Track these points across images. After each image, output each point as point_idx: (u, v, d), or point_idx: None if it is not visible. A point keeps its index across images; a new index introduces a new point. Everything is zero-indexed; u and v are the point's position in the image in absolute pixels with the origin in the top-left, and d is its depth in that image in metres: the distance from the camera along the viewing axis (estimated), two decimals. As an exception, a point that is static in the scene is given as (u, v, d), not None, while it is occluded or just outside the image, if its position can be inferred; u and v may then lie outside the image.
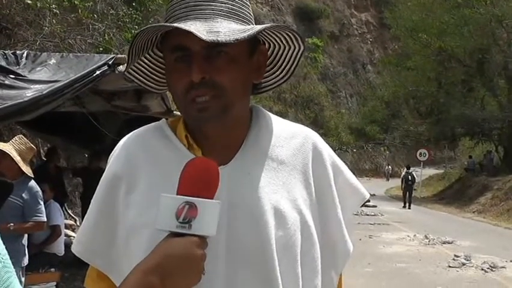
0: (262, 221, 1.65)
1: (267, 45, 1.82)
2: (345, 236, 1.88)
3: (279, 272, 1.65)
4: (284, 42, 1.80)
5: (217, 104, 1.63)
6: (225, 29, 1.60)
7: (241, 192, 1.68)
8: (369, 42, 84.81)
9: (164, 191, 1.55)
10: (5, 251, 1.47)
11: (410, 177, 35.64)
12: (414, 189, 43.05)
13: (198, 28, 1.56)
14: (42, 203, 6.80)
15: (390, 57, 59.40)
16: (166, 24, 1.62)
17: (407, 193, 35.10)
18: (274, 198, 1.70)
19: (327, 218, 1.82)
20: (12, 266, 1.48)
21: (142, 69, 1.83)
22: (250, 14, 1.75)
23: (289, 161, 1.78)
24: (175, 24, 1.58)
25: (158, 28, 1.62)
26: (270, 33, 1.76)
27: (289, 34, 1.76)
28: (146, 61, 1.83)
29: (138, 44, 1.67)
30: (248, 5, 1.76)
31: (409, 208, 33.79)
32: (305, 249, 1.73)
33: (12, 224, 6.39)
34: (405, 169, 38.41)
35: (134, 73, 1.83)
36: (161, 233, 1.51)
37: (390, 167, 66.67)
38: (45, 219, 6.87)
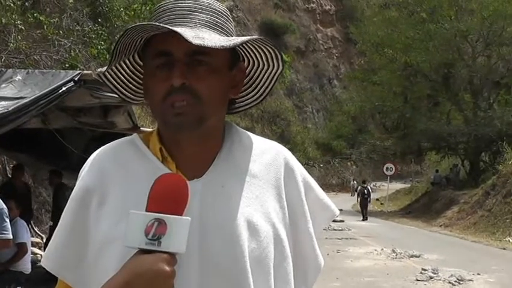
0: (235, 234, 1.65)
1: (245, 62, 1.83)
2: (316, 250, 1.88)
3: (252, 285, 1.64)
4: (264, 59, 1.81)
5: (194, 112, 1.64)
6: (210, 38, 1.62)
7: (215, 205, 1.68)
8: (335, 57, 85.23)
9: (136, 204, 1.55)
10: None
11: (365, 191, 37.32)
12: (381, 204, 43.55)
13: (185, 32, 1.56)
14: (8, 220, 6.74)
15: (356, 72, 59.70)
16: (155, 23, 1.61)
17: (364, 206, 36.71)
18: (248, 211, 1.70)
19: (299, 231, 1.82)
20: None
21: (120, 76, 1.82)
22: (232, 29, 1.78)
23: (262, 175, 1.78)
24: (163, 25, 1.59)
25: (146, 27, 1.61)
26: (252, 47, 1.78)
27: (270, 51, 1.77)
28: (125, 67, 1.82)
29: (123, 44, 1.66)
30: (231, 21, 1.79)
31: (366, 220, 35.13)
32: (278, 262, 1.73)
33: (-24, 243, 6.32)
34: (361, 183, 39.53)
35: (112, 79, 1.82)
36: (131, 248, 1.50)
37: (355, 182, 66.67)
38: (11, 236, 6.81)
